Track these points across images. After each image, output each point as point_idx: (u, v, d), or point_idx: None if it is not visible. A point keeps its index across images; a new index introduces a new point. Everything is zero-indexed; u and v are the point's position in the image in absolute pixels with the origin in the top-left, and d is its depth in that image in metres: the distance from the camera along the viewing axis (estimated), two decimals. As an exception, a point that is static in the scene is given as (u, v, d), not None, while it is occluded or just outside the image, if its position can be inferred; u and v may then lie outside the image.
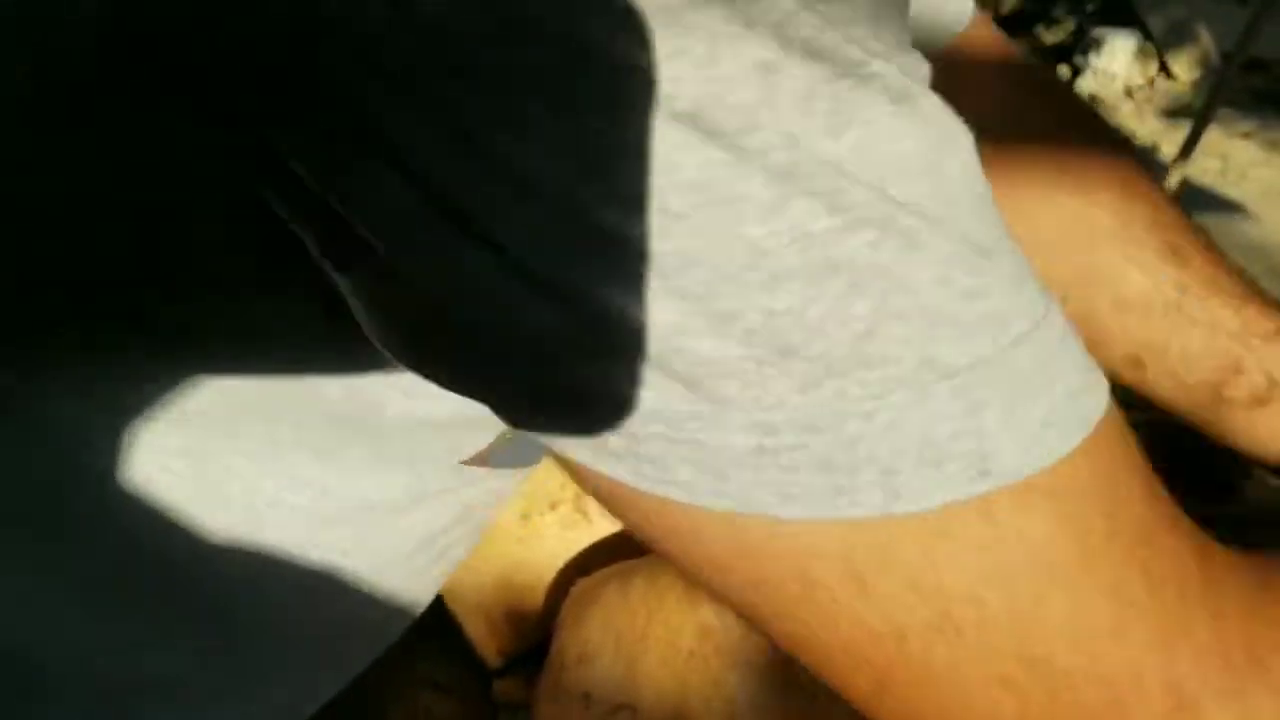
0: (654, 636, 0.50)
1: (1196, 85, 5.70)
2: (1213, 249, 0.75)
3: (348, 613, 0.56)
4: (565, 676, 0.57)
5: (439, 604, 0.64)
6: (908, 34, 0.36)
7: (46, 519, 0.47)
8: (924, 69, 0.36)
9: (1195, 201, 4.08)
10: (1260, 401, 0.69)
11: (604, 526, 0.57)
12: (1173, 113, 5.41)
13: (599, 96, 0.29)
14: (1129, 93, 5.54)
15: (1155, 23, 5.79)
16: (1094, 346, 0.56)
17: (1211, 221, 4.33)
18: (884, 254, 0.31)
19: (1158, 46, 5.76)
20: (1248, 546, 0.39)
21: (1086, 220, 0.74)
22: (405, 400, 0.46)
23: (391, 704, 0.65)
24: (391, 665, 0.64)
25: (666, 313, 0.31)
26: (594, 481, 0.36)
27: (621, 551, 0.55)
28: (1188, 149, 2.49)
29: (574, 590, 0.53)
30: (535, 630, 0.56)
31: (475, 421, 0.47)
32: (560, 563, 0.57)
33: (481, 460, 0.51)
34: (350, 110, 0.31)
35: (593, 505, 0.58)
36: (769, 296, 0.30)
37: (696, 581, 0.37)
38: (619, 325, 0.32)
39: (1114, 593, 0.34)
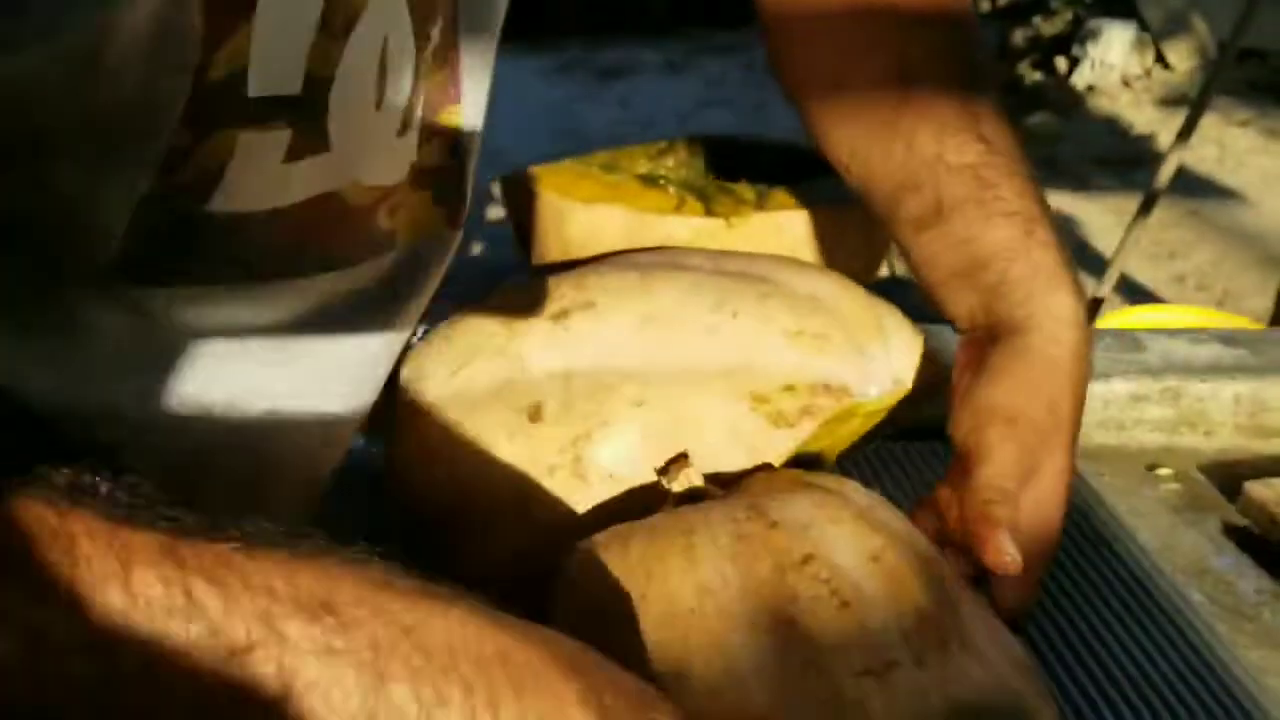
0: (653, 597, 0.50)
1: (1193, 75, 5.71)
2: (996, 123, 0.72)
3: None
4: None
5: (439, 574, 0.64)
6: None
7: None
8: None
9: (1193, 188, 4.08)
10: (923, 224, 0.69)
11: (601, 491, 0.57)
12: (1170, 102, 5.41)
13: None
14: (1126, 83, 5.55)
15: (1152, 13, 5.80)
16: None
17: (1208, 208, 4.34)
18: None
19: (1154, 37, 5.77)
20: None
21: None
22: None
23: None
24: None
25: None
26: None
27: (620, 515, 0.55)
28: (1185, 134, 2.49)
29: (572, 553, 0.53)
30: (534, 594, 0.56)
31: None
32: (558, 526, 0.57)
33: None
34: None
35: (591, 469, 0.57)
36: None
37: None
38: None
39: None
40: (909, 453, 0.84)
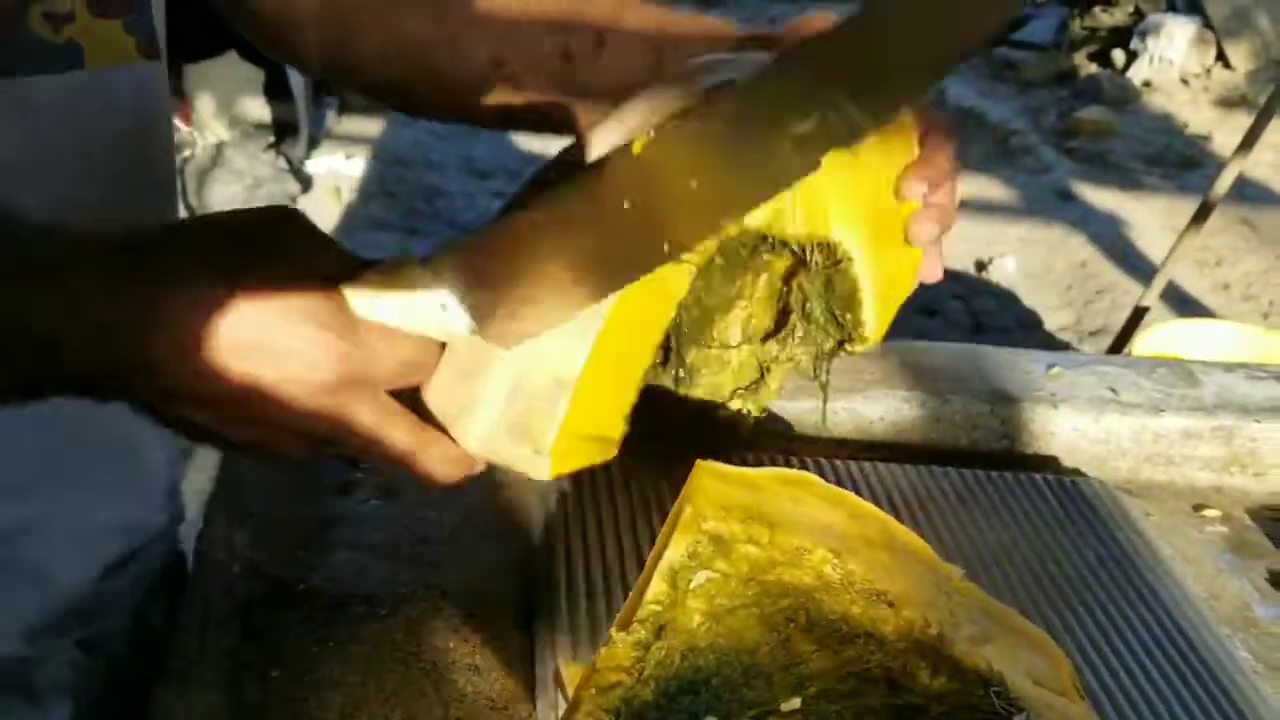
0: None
1: (1254, 76, 5.58)
2: None
3: None
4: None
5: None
6: None
7: None
8: None
9: (1245, 195, 4.00)
10: (569, 57, 0.70)
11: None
12: (1228, 103, 5.31)
13: None
14: (1184, 80, 5.44)
15: (1216, 9, 5.68)
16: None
17: (1260, 216, 4.25)
18: None
19: (1217, 34, 5.65)
20: None
21: None
22: None
23: (435, 682, 0.65)
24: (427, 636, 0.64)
25: None
26: None
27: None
28: (1247, 144, 2.44)
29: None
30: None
31: None
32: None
33: None
34: None
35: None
36: None
37: None
38: None
39: None
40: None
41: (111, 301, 0.47)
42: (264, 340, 0.47)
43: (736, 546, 0.54)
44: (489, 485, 0.76)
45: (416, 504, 0.73)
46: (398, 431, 0.50)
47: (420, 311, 0.48)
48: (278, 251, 0.49)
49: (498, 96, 0.73)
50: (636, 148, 0.49)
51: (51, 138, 0.61)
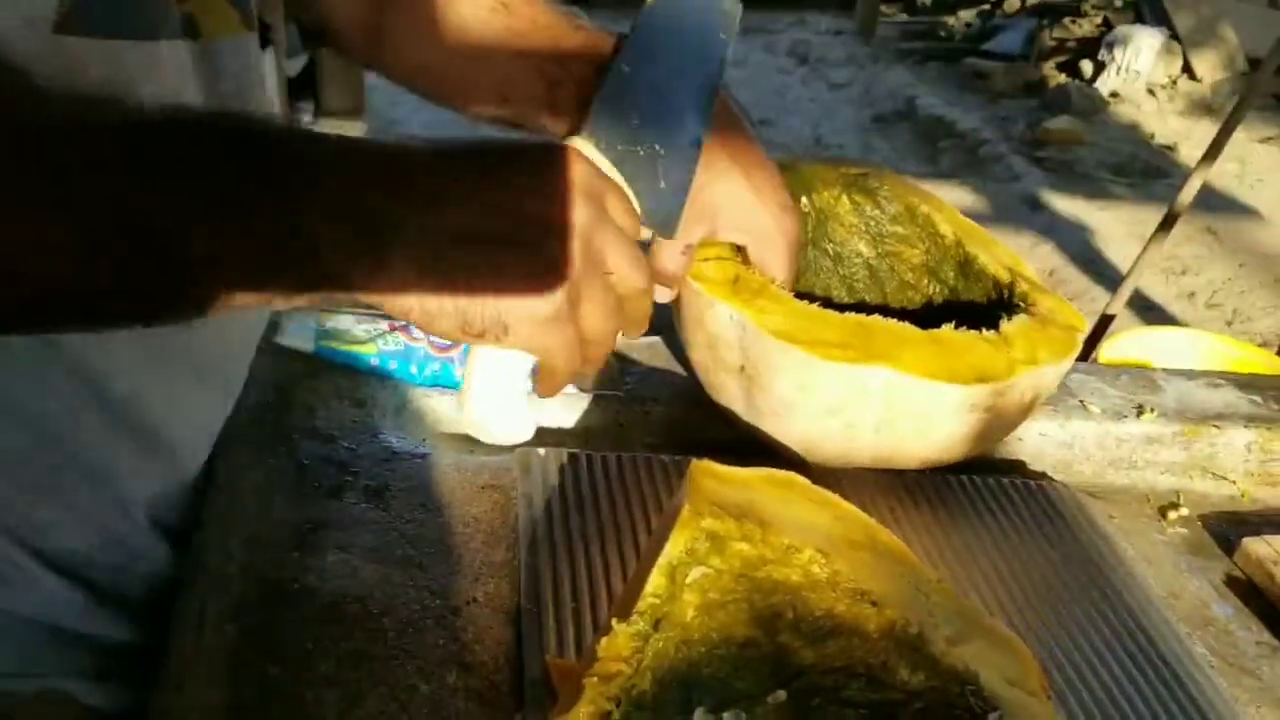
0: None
1: (1219, 87, 5.67)
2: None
3: None
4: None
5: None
6: None
7: None
8: None
9: (1210, 204, 4.07)
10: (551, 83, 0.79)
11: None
12: (1194, 113, 5.39)
13: None
14: (1151, 91, 5.52)
15: (1183, 20, 5.76)
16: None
17: (1224, 225, 4.32)
18: None
19: (1184, 46, 5.73)
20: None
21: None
22: None
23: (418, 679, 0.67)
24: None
25: None
26: None
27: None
28: (1211, 154, 2.48)
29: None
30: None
31: None
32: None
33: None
34: None
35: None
36: None
37: None
38: None
39: None
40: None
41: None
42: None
43: (730, 544, 0.57)
44: (474, 489, 0.78)
45: (405, 507, 0.75)
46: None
47: None
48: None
49: (503, 120, 0.82)
50: None
51: (179, 99, 0.65)
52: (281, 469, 0.77)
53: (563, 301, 0.54)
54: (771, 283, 0.79)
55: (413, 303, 0.53)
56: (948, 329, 0.78)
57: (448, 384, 0.87)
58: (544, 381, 0.58)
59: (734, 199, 0.77)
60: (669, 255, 0.74)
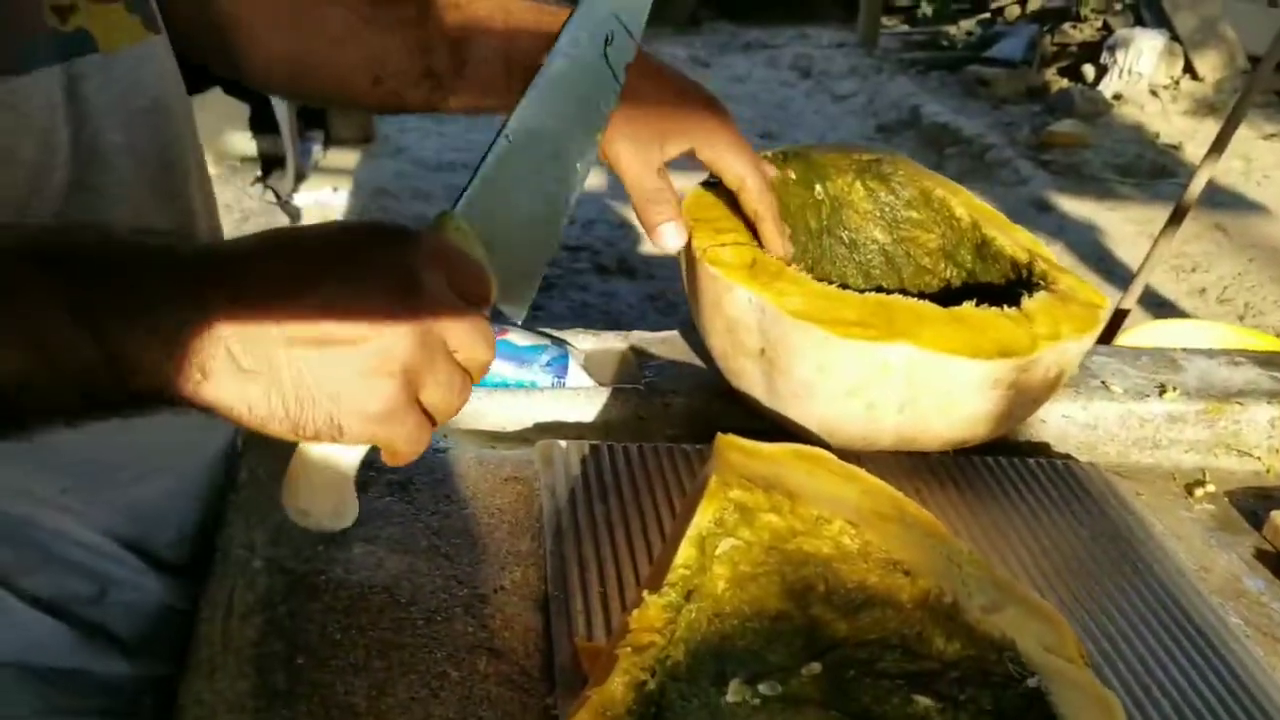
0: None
1: (1221, 86, 5.66)
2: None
3: None
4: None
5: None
6: None
7: None
8: None
9: (1217, 201, 4.06)
10: (431, 74, 0.81)
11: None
12: (1197, 113, 5.38)
13: None
14: (1154, 92, 5.51)
15: (1183, 22, 5.76)
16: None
17: (1232, 221, 4.31)
18: None
19: (1185, 47, 5.73)
20: None
21: None
22: None
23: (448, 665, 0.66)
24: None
25: None
26: None
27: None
28: (1216, 149, 2.48)
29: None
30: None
31: None
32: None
33: None
34: None
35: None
36: None
37: None
38: None
39: None
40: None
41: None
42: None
43: (759, 515, 0.56)
44: (497, 482, 0.78)
45: (430, 500, 0.75)
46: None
47: None
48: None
49: (386, 103, 0.85)
50: None
51: (93, 121, 0.64)
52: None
53: (397, 394, 0.53)
54: (786, 264, 0.79)
55: (242, 411, 0.52)
56: (969, 306, 0.78)
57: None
58: (389, 458, 0.57)
59: (672, 116, 0.80)
60: (645, 175, 0.78)
